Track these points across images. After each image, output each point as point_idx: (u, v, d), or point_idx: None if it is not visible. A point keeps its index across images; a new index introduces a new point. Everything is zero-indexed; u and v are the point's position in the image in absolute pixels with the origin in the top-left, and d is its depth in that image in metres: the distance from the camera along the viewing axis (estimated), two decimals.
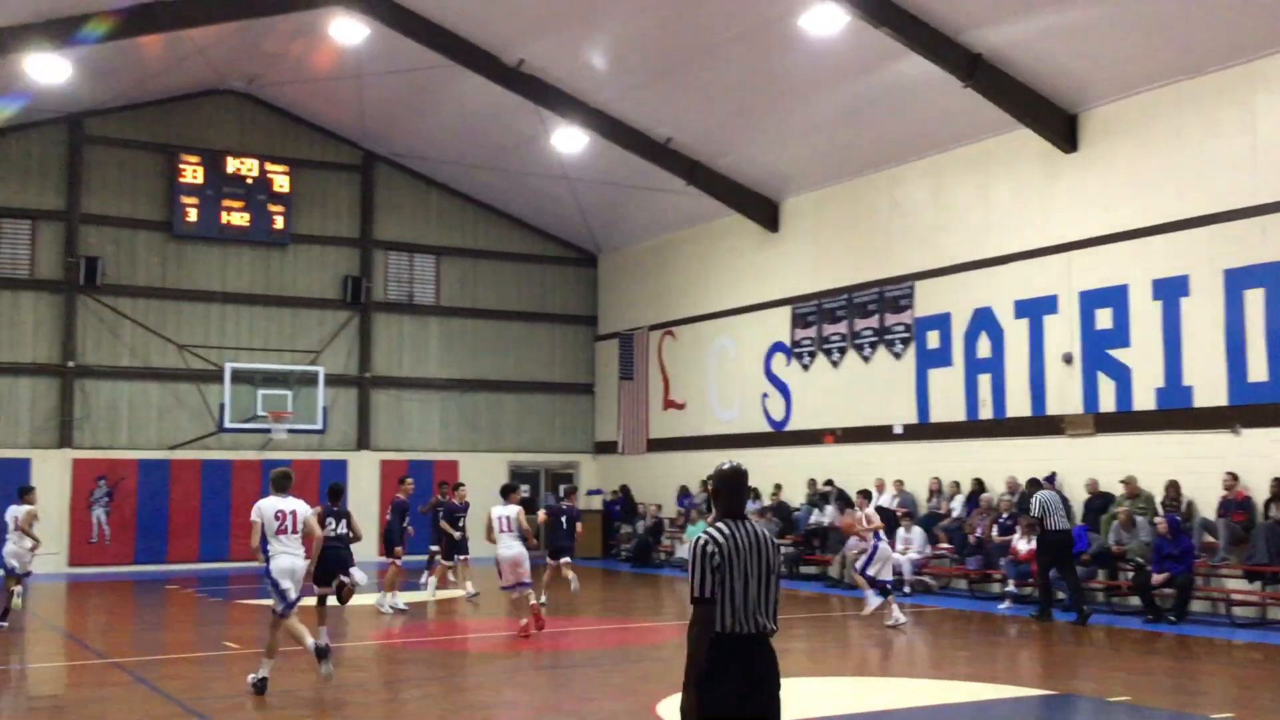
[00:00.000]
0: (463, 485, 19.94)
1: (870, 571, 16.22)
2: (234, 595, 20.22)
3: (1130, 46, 16.99)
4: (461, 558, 18.91)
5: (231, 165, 26.67)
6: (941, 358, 20.87)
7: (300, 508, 10.99)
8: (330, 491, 15.04)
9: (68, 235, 25.38)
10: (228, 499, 25.83)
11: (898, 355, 21.76)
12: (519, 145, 25.48)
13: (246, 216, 26.79)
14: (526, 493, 23.92)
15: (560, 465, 30.47)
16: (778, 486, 23.94)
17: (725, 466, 5.50)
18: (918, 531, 19.86)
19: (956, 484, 20.34)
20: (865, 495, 17.53)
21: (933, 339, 21.08)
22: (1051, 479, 18.02)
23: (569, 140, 23.64)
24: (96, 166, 25.82)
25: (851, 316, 22.82)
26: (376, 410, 28.30)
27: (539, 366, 30.37)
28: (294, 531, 10.86)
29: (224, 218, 26.57)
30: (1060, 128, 18.67)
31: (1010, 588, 17.86)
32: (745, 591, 5.20)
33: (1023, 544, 17.77)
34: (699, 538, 5.30)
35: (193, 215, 26.28)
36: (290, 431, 25.60)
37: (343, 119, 26.92)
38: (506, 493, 15.44)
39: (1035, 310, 19.21)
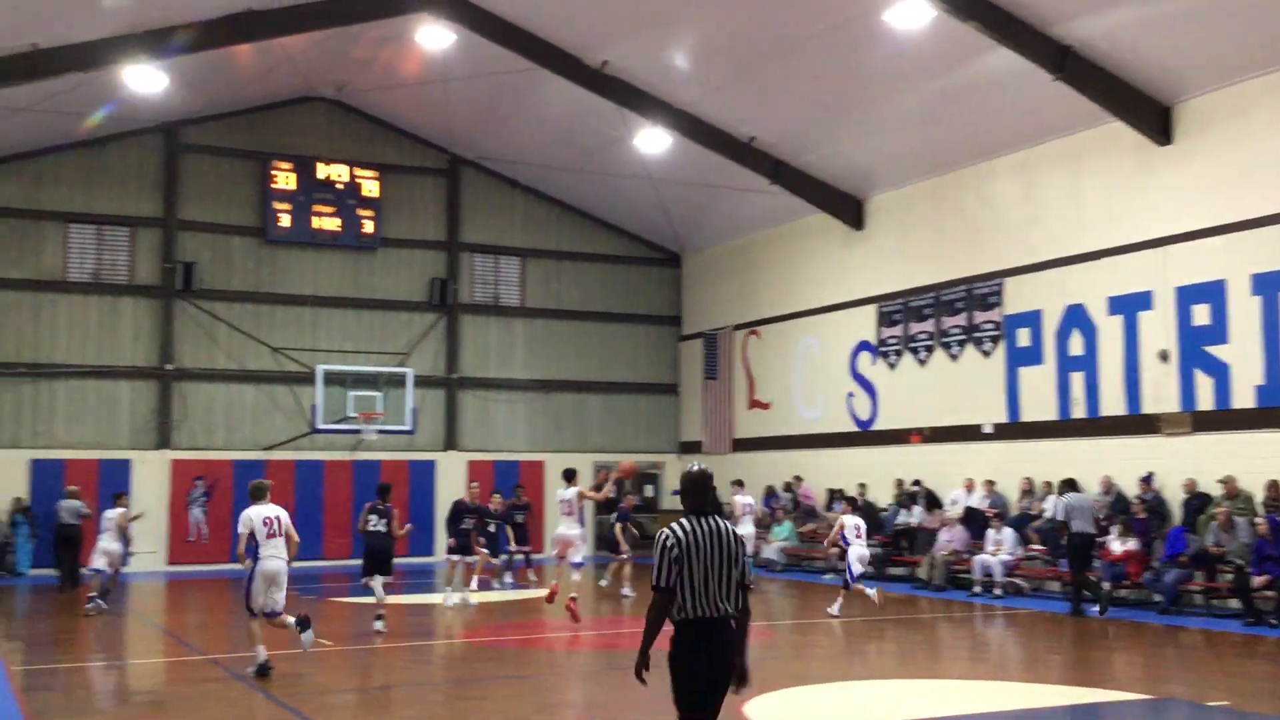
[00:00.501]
0: (477, 487, 19.69)
1: (855, 573, 16.93)
2: (327, 593, 20.59)
3: (1225, 35, 16.55)
4: (468, 558, 18.45)
5: (322, 171, 27.15)
6: (1033, 356, 20.53)
7: (283, 514, 12.12)
8: (378, 490, 16.00)
9: (165, 241, 26.06)
10: (320, 499, 26.32)
11: (987, 353, 21.45)
12: (603, 147, 25.59)
13: (337, 221, 27.26)
14: (613, 493, 24.28)
15: (645, 465, 30.52)
16: (862, 486, 23.73)
17: (692, 469, 6.15)
18: (1008, 532, 19.54)
19: (1049, 484, 19.97)
20: (851, 502, 18.42)
21: (1023, 336, 20.74)
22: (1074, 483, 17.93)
23: (652, 141, 23.68)
24: (192, 174, 26.47)
25: (939, 315, 22.54)
26: (464, 411, 28.62)
27: (623, 367, 30.47)
28: (280, 536, 11.94)
29: (315, 223, 27.07)
30: (1154, 120, 18.25)
31: (1105, 589, 17.49)
32: (706, 580, 5.84)
33: (1117, 545, 17.42)
34: (661, 533, 5.96)
35: (285, 221, 26.81)
36: (380, 432, 25.99)
37: (429, 124, 27.27)
38: (569, 477, 16.58)
39: (1130, 307, 18.80)
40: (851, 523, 17.32)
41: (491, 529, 19.26)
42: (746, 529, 21.14)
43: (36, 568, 23.87)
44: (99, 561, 17.89)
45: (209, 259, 26.37)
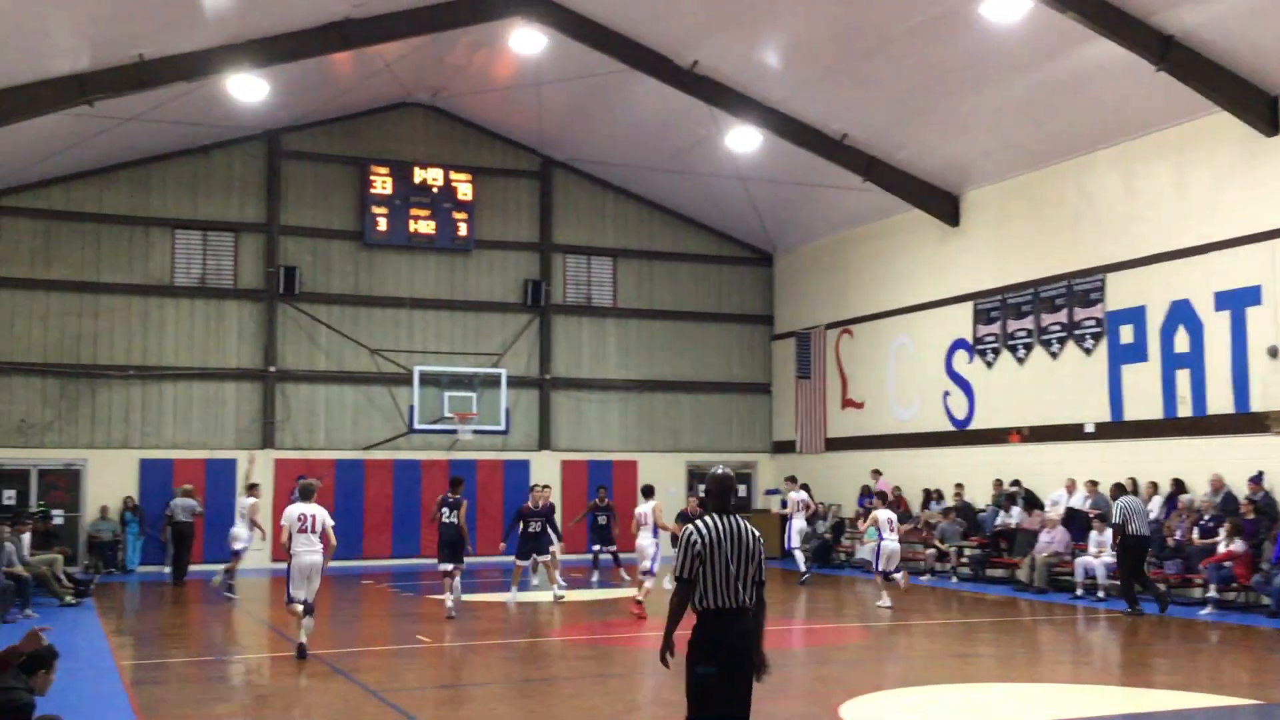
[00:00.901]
0: (541, 488, 20.26)
1: (881, 567, 18.28)
2: (425, 590, 20.89)
3: None
4: (524, 562, 19.17)
5: (418, 175, 27.55)
6: (1136, 353, 20.04)
7: (319, 513, 13.18)
8: (451, 482, 17.58)
9: (268, 246, 26.70)
10: (418, 498, 26.69)
11: (1088, 351, 20.99)
12: (693, 146, 25.59)
13: (432, 224, 27.65)
14: (704, 493, 24.63)
15: (738, 465, 30.42)
16: (959, 486, 23.40)
17: (717, 471, 6.71)
18: (1111, 534, 19.08)
19: (1154, 484, 19.47)
20: (881, 496, 20.57)
21: (1126, 333, 20.26)
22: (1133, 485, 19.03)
23: (743, 140, 23.62)
24: (293, 180, 27.07)
25: (1038, 312, 22.13)
26: (557, 411, 28.83)
27: (716, 366, 30.43)
28: (313, 532, 13.03)
29: (411, 226, 27.49)
30: (1260, 110, 17.69)
31: (1212, 593, 17.01)
32: (726, 573, 6.33)
33: (1224, 546, 16.93)
34: (686, 529, 6.48)
35: (382, 225, 27.27)
36: (475, 432, 26.30)
37: (522, 127, 27.53)
38: (647, 493, 18.10)
39: (1237, 302, 18.25)
40: (884, 517, 18.47)
41: (534, 529, 19.12)
42: (800, 524, 22.88)
43: (145, 565, 24.68)
44: (236, 544, 20.21)
45: (309, 263, 26.93)
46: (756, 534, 6.53)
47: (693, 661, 6.32)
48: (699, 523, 6.48)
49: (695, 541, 6.39)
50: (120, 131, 22.46)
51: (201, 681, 12.29)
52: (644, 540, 17.53)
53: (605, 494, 22.54)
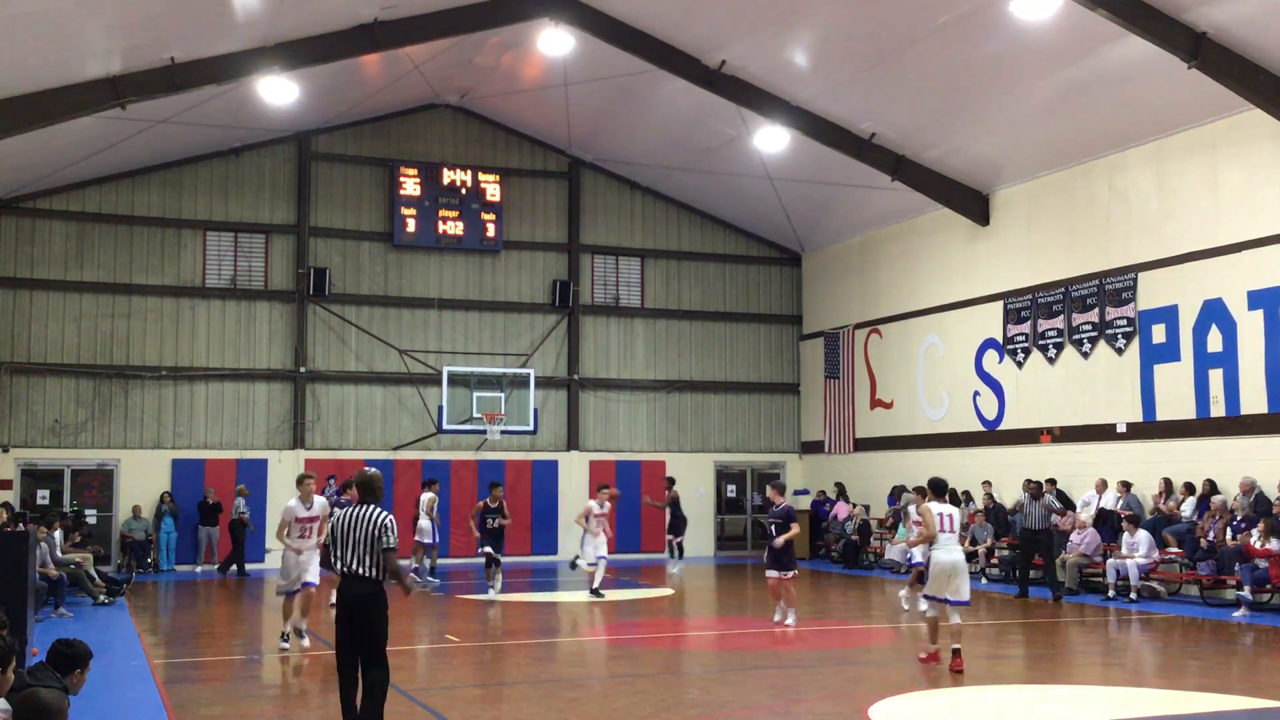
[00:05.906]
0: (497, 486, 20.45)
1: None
2: (454, 590, 20.96)
3: None
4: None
5: (447, 177, 27.66)
6: (1168, 352, 19.88)
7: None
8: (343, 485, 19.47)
9: (298, 247, 26.86)
10: (446, 498, 26.72)
11: (1120, 350, 20.84)
12: (721, 146, 25.56)
13: (461, 225, 27.74)
14: (732, 493, 24.17)
15: (766, 465, 30.40)
16: (987, 484, 23.24)
17: (366, 472, 9.19)
18: (1143, 535, 18.95)
19: (1189, 485, 19.30)
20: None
21: (1158, 333, 20.09)
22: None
23: (771, 139, 23.58)
24: (323, 181, 27.22)
25: (1069, 311, 21.98)
26: (585, 411, 28.86)
27: (744, 366, 30.38)
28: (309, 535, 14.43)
29: (440, 227, 27.59)
30: None
31: (1245, 594, 16.84)
32: (352, 548, 8.74)
33: (1258, 545, 16.77)
34: (335, 516, 8.94)
35: (411, 226, 27.38)
36: (503, 433, 26.36)
37: (550, 127, 27.57)
38: (941, 490, 12.82)
39: (1271, 301, 18.07)
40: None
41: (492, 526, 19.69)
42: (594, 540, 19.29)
43: (180, 564, 24.94)
44: (424, 538, 21.99)
45: (339, 264, 27.08)
46: (380, 520, 8.70)
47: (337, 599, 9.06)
48: (342, 513, 8.90)
49: (336, 525, 8.91)
50: (152, 134, 22.65)
51: (234, 680, 12.37)
52: (958, 555, 12.47)
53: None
